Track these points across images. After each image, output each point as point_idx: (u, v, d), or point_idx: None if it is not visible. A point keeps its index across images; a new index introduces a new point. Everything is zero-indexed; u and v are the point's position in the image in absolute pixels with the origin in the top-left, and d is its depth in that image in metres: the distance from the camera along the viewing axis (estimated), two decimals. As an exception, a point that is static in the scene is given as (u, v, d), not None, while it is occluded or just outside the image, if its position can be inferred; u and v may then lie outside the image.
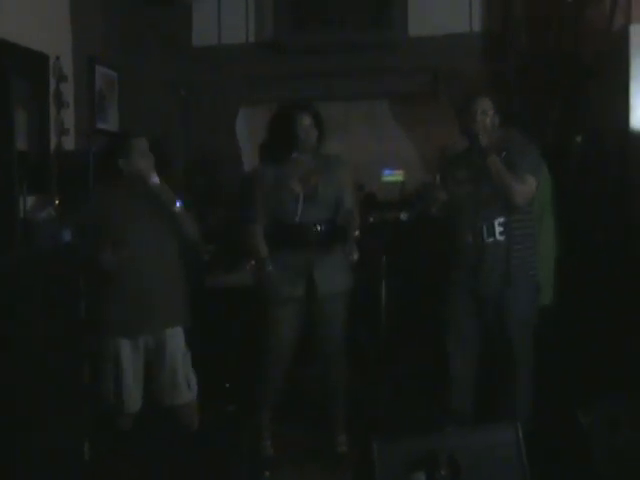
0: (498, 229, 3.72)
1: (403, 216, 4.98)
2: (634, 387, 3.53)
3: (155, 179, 3.66)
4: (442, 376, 3.92)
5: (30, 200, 4.13)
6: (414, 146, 6.79)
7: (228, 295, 4.96)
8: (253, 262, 4.71)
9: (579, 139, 4.79)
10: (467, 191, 3.77)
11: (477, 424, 3.67)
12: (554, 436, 3.51)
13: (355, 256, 3.74)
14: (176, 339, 3.80)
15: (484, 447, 2.91)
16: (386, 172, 6.49)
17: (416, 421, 4.12)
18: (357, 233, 3.81)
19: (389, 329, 4.99)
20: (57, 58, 4.72)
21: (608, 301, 4.18)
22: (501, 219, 3.72)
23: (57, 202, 4.27)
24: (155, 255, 3.73)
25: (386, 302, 4.96)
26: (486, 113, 3.73)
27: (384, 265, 5.04)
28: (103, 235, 3.62)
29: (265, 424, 4.13)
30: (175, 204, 3.69)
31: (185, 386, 3.81)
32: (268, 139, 4.01)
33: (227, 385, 4.89)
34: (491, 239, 3.73)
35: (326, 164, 3.98)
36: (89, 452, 3.90)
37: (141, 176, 3.66)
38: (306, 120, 3.88)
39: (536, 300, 3.84)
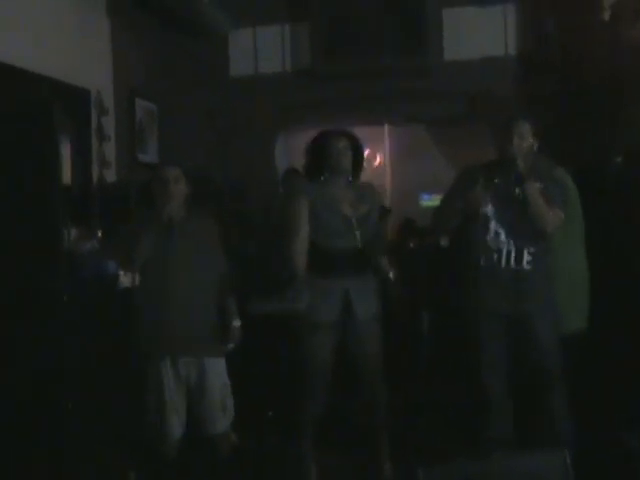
0: (527, 257, 3.70)
1: (444, 242, 4.97)
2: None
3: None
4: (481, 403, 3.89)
5: (73, 232, 4.20)
6: (452, 170, 6.78)
7: (270, 322, 4.97)
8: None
9: (619, 160, 4.75)
10: (497, 213, 3.74)
11: (522, 450, 3.62)
12: (601, 460, 3.46)
13: (391, 273, 3.79)
14: (217, 368, 3.83)
15: (531, 474, 2.87)
16: (425, 197, 6.49)
17: (460, 448, 4.08)
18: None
19: (430, 356, 4.96)
20: (98, 92, 4.81)
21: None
22: (531, 248, 3.69)
23: (100, 234, 4.32)
24: (192, 285, 3.76)
25: (428, 329, 4.94)
26: (523, 137, 3.72)
27: (425, 291, 5.02)
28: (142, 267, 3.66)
29: (307, 451, 4.10)
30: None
31: (221, 415, 3.83)
32: (305, 164, 4.06)
33: (270, 413, 4.89)
34: (519, 266, 3.70)
35: (362, 190, 4.01)
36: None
37: (175, 199, 3.68)
38: (341, 143, 3.91)
39: (559, 326, 3.81)
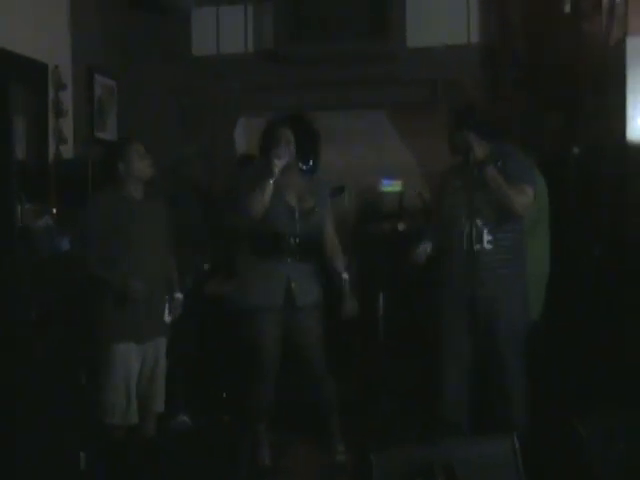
0: (487, 237, 3.74)
1: (401, 227, 4.99)
2: (631, 398, 3.53)
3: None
4: (435, 387, 3.92)
5: (28, 209, 4.13)
6: (413, 156, 6.80)
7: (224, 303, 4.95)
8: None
9: (576, 151, 4.80)
10: (461, 200, 3.78)
11: (473, 435, 3.66)
12: (551, 447, 3.51)
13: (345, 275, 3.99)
14: (164, 347, 3.85)
15: (481, 457, 2.91)
16: (385, 182, 6.49)
17: (413, 431, 4.11)
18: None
19: (386, 338, 4.99)
20: (56, 67, 4.73)
21: (605, 314, 4.18)
22: (490, 227, 3.73)
23: (55, 211, 4.26)
24: (156, 261, 3.77)
25: (384, 312, 4.96)
26: (472, 127, 3.76)
27: (382, 275, 5.04)
28: (106, 242, 3.64)
29: (260, 434, 4.11)
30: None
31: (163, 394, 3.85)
32: (256, 152, 4.06)
33: (224, 395, 4.88)
34: (478, 246, 3.73)
35: (313, 183, 4.01)
36: (84, 462, 3.89)
37: (141, 177, 3.72)
38: (285, 133, 3.90)
39: (525, 313, 3.84)
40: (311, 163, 4.01)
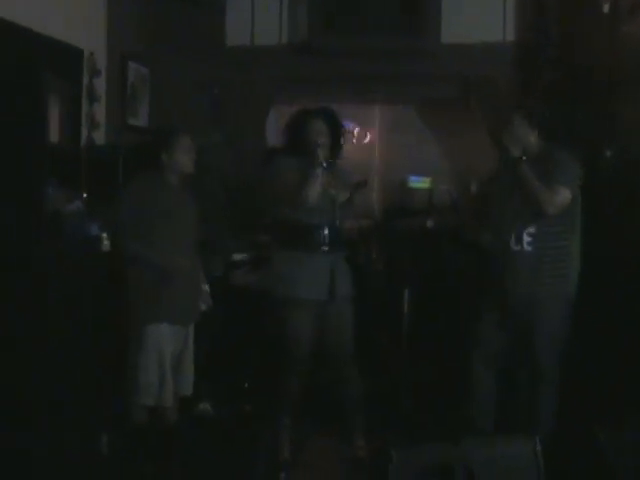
0: (526, 239, 3.70)
1: (429, 223, 4.97)
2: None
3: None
4: (463, 385, 3.90)
5: (59, 193, 4.16)
6: (442, 153, 6.78)
7: (251, 294, 4.97)
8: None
9: (609, 153, 4.75)
10: (498, 201, 3.76)
11: (496, 435, 3.65)
12: (574, 452, 3.49)
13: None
14: (192, 331, 3.88)
15: (500, 458, 2.89)
16: (413, 179, 6.47)
17: (436, 429, 4.10)
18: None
19: (411, 335, 4.97)
20: (91, 53, 4.76)
21: (633, 318, 4.13)
22: (530, 229, 3.69)
23: (85, 196, 4.30)
24: (192, 247, 3.82)
25: (409, 309, 4.94)
26: (519, 123, 3.72)
27: (408, 272, 5.02)
28: (141, 230, 3.66)
29: (283, 426, 4.11)
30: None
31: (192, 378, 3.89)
32: (283, 142, 4.06)
33: (246, 385, 4.90)
34: (518, 247, 3.70)
35: (340, 172, 4.01)
36: (106, 447, 3.92)
37: (182, 170, 3.75)
38: (317, 125, 3.90)
39: (568, 315, 3.79)
40: (337, 155, 4.02)
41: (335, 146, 3.99)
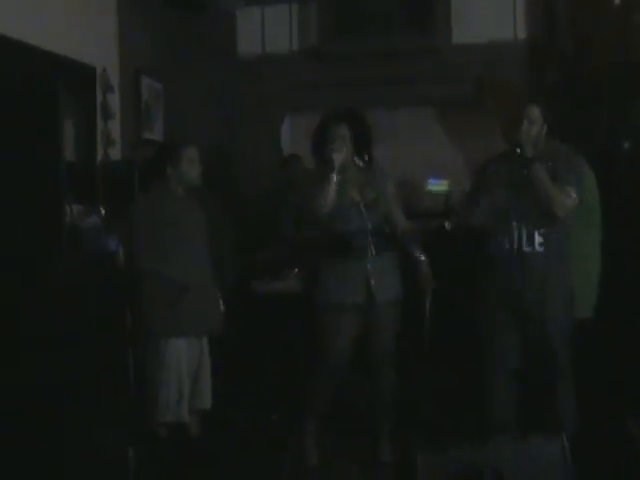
0: (538, 239, 3.68)
1: (447, 225, 4.94)
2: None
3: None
4: (483, 388, 3.88)
5: (77, 209, 4.19)
6: (459, 155, 6.74)
7: (275, 301, 4.97)
8: (297, 270, 4.75)
9: (627, 145, 4.72)
10: (507, 198, 3.73)
11: (521, 436, 3.62)
12: (603, 448, 3.46)
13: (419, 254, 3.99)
14: (207, 344, 3.87)
15: (529, 459, 2.87)
16: (431, 181, 6.44)
17: (462, 432, 4.08)
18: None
19: (432, 339, 4.95)
20: (104, 70, 4.78)
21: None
22: (542, 230, 3.68)
23: (103, 211, 4.32)
24: (204, 258, 3.81)
25: (430, 313, 4.91)
26: (533, 122, 3.69)
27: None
28: (156, 238, 3.67)
29: (310, 433, 4.11)
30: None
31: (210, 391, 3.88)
32: (311, 148, 4.06)
33: (273, 393, 4.89)
34: (529, 249, 3.69)
35: (373, 175, 3.99)
36: (133, 460, 3.93)
37: (188, 182, 3.75)
38: (340, 130, 3.90)
39: (572, 311, 3.79)
40: (367, 157, 4.01)
41: (362, 147, 3.97)
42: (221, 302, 4.02)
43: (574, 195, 3.64)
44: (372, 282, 3.87)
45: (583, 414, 3.76)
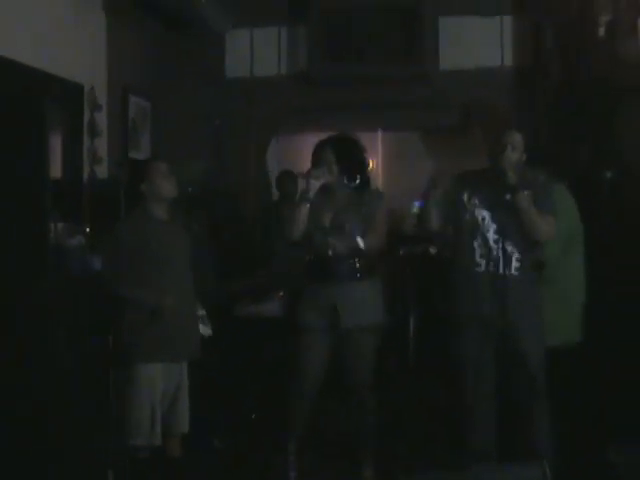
0: (515, 264, 3.70)
1: (432, 249, 4.96)
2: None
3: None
4: (463, 414, 3.87)
5: (61, 227, 4.17)
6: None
7: (257, 325, 4.97)
8: (281, 293, 4.75)
9: (609, 175, 4.75)
10: (487, 219, 3.74)
11: (501, 462, 3.61)
12: (584, 475, 3.45)
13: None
14: (186, 368, 3.83)
15: (510, 485, 2.86)
16: (417, 204, 6.47)
17: (442, 457, 4.07)
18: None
19: (417, 361, 4.96)
20: (92, 88, 4.79)
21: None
22: (518, 255, 3.69)
23: (88, 230, 4.30)
24: (184, 282, 3.77)
25: (414, 335, 4.93)
26: (515, 147, 3.71)
27: (413, 298, 5.01)
28: (135, 263, 3.64)
29: (292, 455, 4.09)
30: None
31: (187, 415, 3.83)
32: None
33: (253, 416, 4.87)
34: (507, 272, 3.70)
35: (364, 197, 3.99)
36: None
37: (164, 196, 3.71)
38: (325, 153, 3.92)
39: (543, 340, 3.79)
40: (358, 180, 4.01)
41: (351, 170, 3.98)
42: (202, 326, 3.98)
43: (552, 222, 3.67)
44: (338, 306, 3.87)
45: (564, 441, 3.75)
